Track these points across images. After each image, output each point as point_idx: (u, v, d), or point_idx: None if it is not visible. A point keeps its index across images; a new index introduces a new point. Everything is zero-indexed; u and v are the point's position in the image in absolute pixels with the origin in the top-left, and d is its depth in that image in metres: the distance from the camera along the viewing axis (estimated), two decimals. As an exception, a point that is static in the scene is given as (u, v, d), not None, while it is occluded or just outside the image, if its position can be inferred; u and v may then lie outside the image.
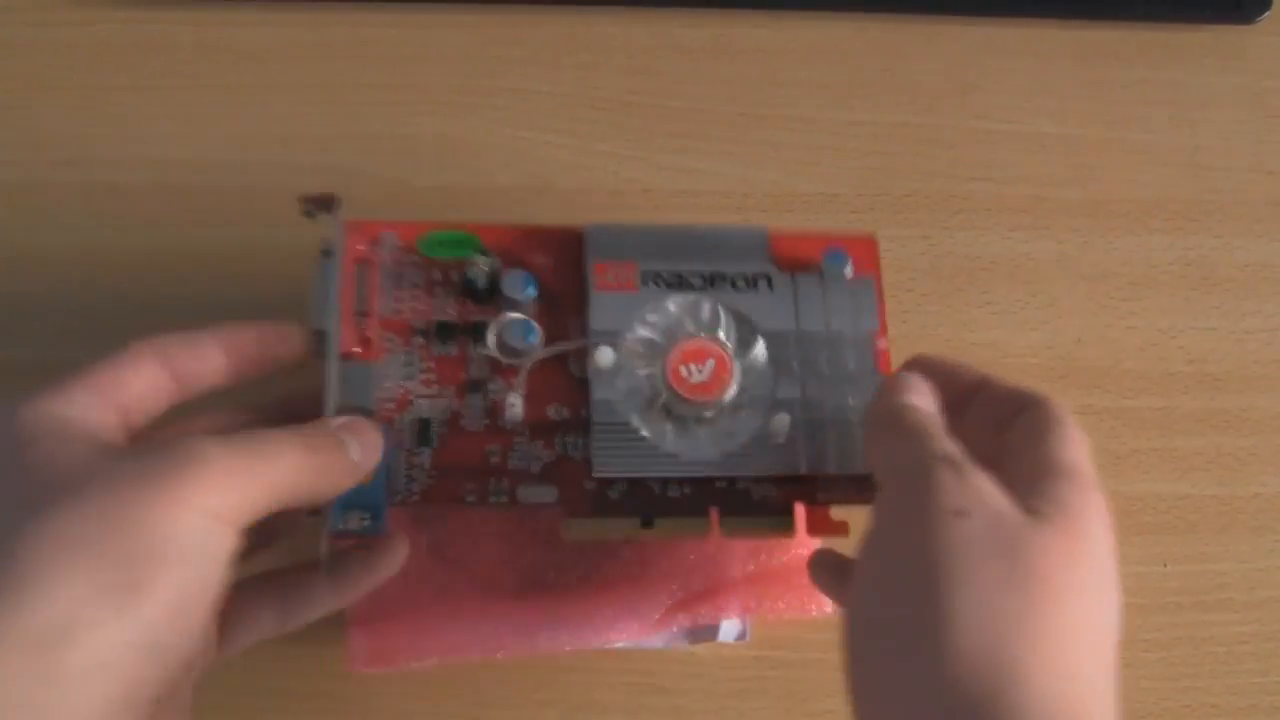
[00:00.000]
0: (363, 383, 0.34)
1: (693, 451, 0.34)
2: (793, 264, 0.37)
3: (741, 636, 0.39)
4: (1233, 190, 0.46)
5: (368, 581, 0.35)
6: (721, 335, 0.35)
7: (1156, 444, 0.42)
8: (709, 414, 0.35)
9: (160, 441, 0.29)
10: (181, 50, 0.46)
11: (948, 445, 0.29)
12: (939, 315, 0.44)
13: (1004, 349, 0.43)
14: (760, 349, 0.36)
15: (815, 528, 0.35)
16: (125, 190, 0.44)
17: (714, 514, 0.34)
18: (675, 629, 0.38)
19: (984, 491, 0.27)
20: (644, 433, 0.34)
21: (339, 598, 0.34)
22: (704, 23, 0.48)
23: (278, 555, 0.34)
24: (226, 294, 0.42)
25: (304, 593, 0.34)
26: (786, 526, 0.35)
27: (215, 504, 0.28)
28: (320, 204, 0.35)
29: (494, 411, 0.35)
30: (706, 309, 0.36)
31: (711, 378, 0.34)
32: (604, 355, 0.34)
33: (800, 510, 0.35)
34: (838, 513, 0.35)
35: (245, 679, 0.37)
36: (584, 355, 0.35)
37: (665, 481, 0.34)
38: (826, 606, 0.39)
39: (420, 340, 0.35)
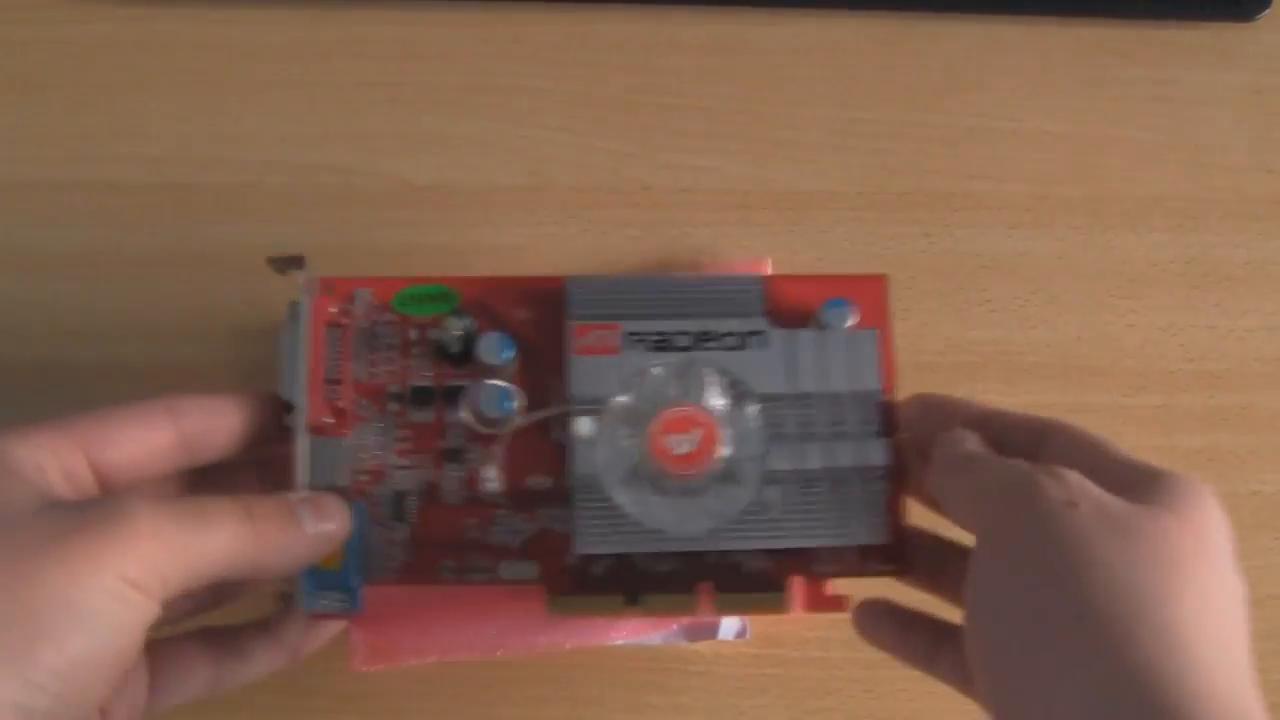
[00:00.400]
0: (333, 458, 0.33)
1: (680, 525, 0.33)
2: (791, 314, 0.35)
3: (742, 634, 0.39)
4: (1233, 188, 0.46)
5: (307, 644, 0.34)
6: (709, 401, 0.33)
7: (1156, 442, 0.42)
8: (696, 485, 0.33)
9: (95, 500, 0.28)
10: (181, 49, 0.46)
11: (1029, 464, 0.29)
12: (939, 313, 0.44)
13: (1004, 346, 0.43)
14: (753, 413, 0.34)
15: (812, 602, 0.34)
16: (125, 189, 0.44)
17: (704, 591, 0.33)
18: (675, 627, 0.38)
19: (1085, 485, 0.28)
20: (628, 507, 0.33)
21: (275, 659, 0.33)
22: (704, 21, 0.48)
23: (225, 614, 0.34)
24: (227, 294, 0.42)
25: (240, 652, 0.33)
26: (781, 602, 0.33)
27: (133, 571, 0.26)
28: (288, 264, 0.34)
29: (472, 482, 0.33)
30: (691, 373, 0.34)
31: (698, 449, 0.32)
32: (583, 425, 0.33)
33: (797, 584, 0.33)
34: (837, 585, 0.34)
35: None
36: (564, 421, 0.34)
37: (654, 555, 0.33)
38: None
39: (395, 406, 0.34)
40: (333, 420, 0.33)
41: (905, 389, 0.40)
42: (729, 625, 0.39)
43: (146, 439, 0.31)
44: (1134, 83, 0.48)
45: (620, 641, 0.38)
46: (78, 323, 0.42)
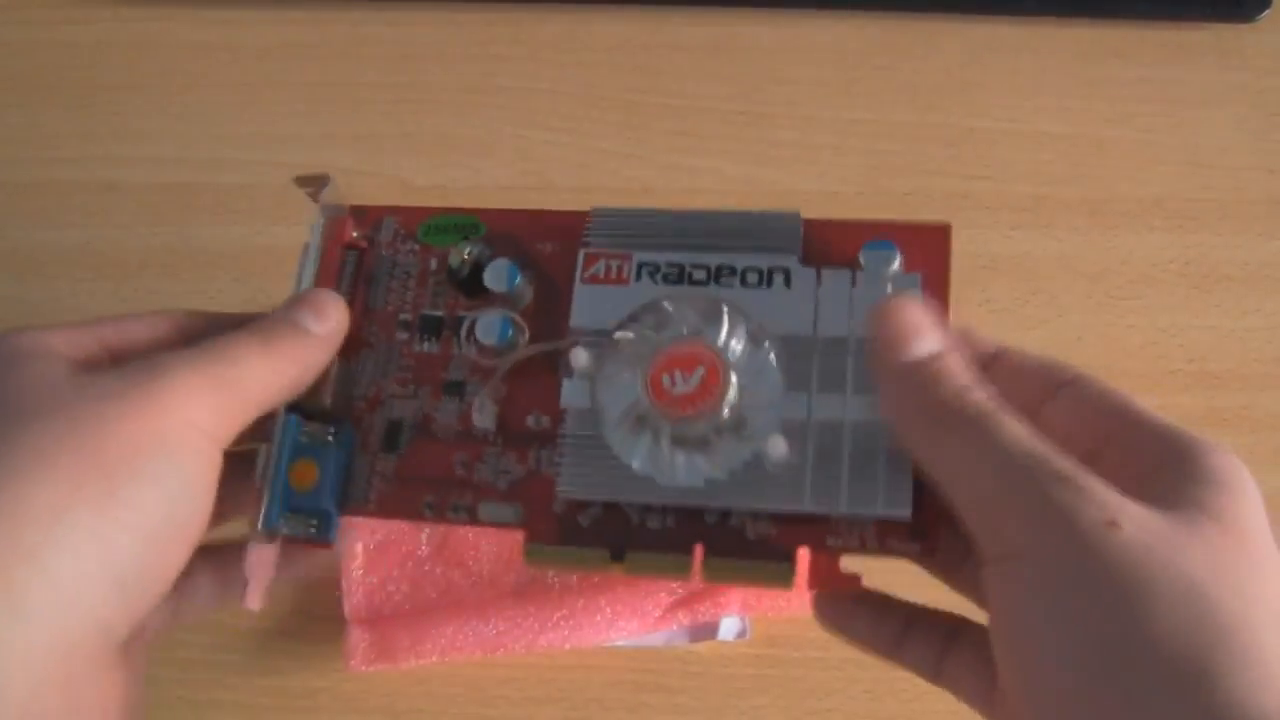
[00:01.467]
0: (336, 380, 0.31)
1: (676, 474, 0.29)
2: (829, 257, 0.31)
3: (742, 634, 0.39)
4: (1233, 188, 0.46)
5: (308, 566, 0.32)
6: (723, 338, 0.29)
7: (1156, 442, 0.42)
8: (698, 432, 0.29)
9: (129, 364, 0.27)
10: (181, 49, 0.46)
11: (1041, 446, 0.25)
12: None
13: (1004, 347, 0.43)
14: (769, 356, 0.29)
15: (819, 579, 0.29)
16: (125, 189, 0.44)
17: (698, 552, 0.29)
18: (675, 627, 0.38)
19: (1123, 502, 0.24)
20: (620, 450, 0.29)
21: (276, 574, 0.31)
22: (704, 21, 0.48)
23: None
24: (227, 293, 0.42)
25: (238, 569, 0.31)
26: (785, 575, 0.28)
27: (196, 415, 0.26)
28: (313, 183, 0.33)
29: (469, 417, 0.31)
30: (706, 307, 0.30)
31: (699, 388, 0.28)
32: (579, 357, 0.29)
33: (804, 556, 0.29)
34: (850, 563, 0.29)
35: (245, 677, 0.37)
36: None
37: (646, 509, 0.29)
38: None
39: (404, 335, 0.32)
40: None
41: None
42: (729, 626, 0.39)
43: (158, 335, 0.30)
44: (1134, 83, 0.48)
45: (621, 643, 0.38)
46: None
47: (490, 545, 0.39)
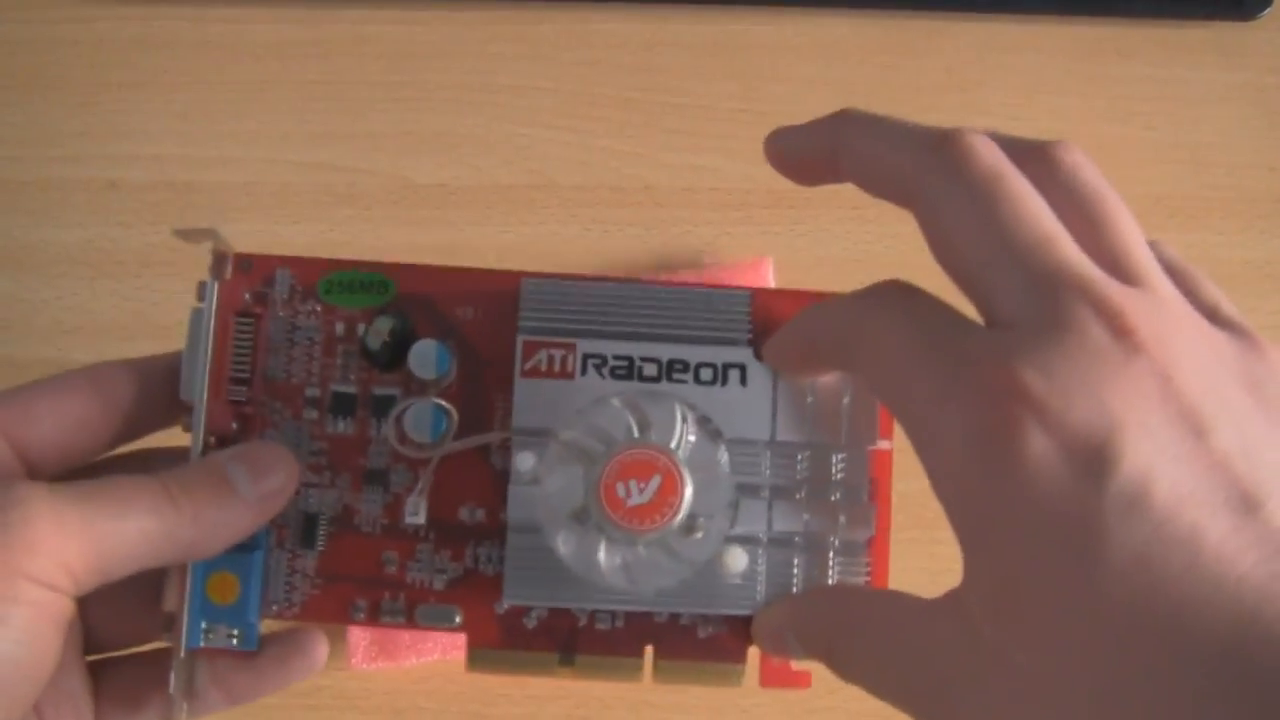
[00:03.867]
0: None
1: (627, 581, 0.27)
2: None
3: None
4: (1234, 187, 0.46)
5: (274, 684, 0.29)
6: (675, 441, 0.27)
7: (1158, 441, 0.42)
8: (648, 541, 0.27)
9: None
10: (181, 47, 0.46)
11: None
12: (940, 312, 0.44)
13: (1005, 346, 0.43)
14: (723, 460, 0.28)
15: (772, 678, 0.29)
16: (125, 188, 0.44)
17: (648, 654, 0.29)
18: None
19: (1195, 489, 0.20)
20: (568, 559, 0.27)
21: (233, 698, 0.29)
22: (705, 19, 0.48)
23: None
24: (227, 292, 0.42)
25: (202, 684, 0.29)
26: (735, 676, 0.29)
27: (37, 569, 0.23)
28: (197, 236, 0.29)
29: (395, 508, 0.29)
30: (657, 408, 0.28)
31: (654, 500, 0.27)
32: (524, 460, 0.27)
33: (753, 656, 0.29)
34: (801, 662, 0.30)
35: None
36: (507, 446, 0.29)
37: (593, 612, 0.29)
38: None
39: (313, 414, 0.29)
40: (237, 426, 0.29)
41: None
42: None
43: (69, 411, 0.27)
44: (1135, 81, 0.48)
45: None
46: (78, 323, 0.42)
47: None
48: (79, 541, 0.24)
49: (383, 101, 0.46)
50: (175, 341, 0.42)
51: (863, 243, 0.44)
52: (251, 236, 0.44)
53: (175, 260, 0.43)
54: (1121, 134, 0.47)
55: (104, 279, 0.43)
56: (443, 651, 0.37)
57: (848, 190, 0.45)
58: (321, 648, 0.29)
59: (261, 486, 0.26)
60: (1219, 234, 0.45)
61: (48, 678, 0.25)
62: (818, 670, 0.39)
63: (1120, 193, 0.48)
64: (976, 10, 0.48)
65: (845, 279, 0.43)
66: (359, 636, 0.37)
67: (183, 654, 0.28)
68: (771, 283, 0.43)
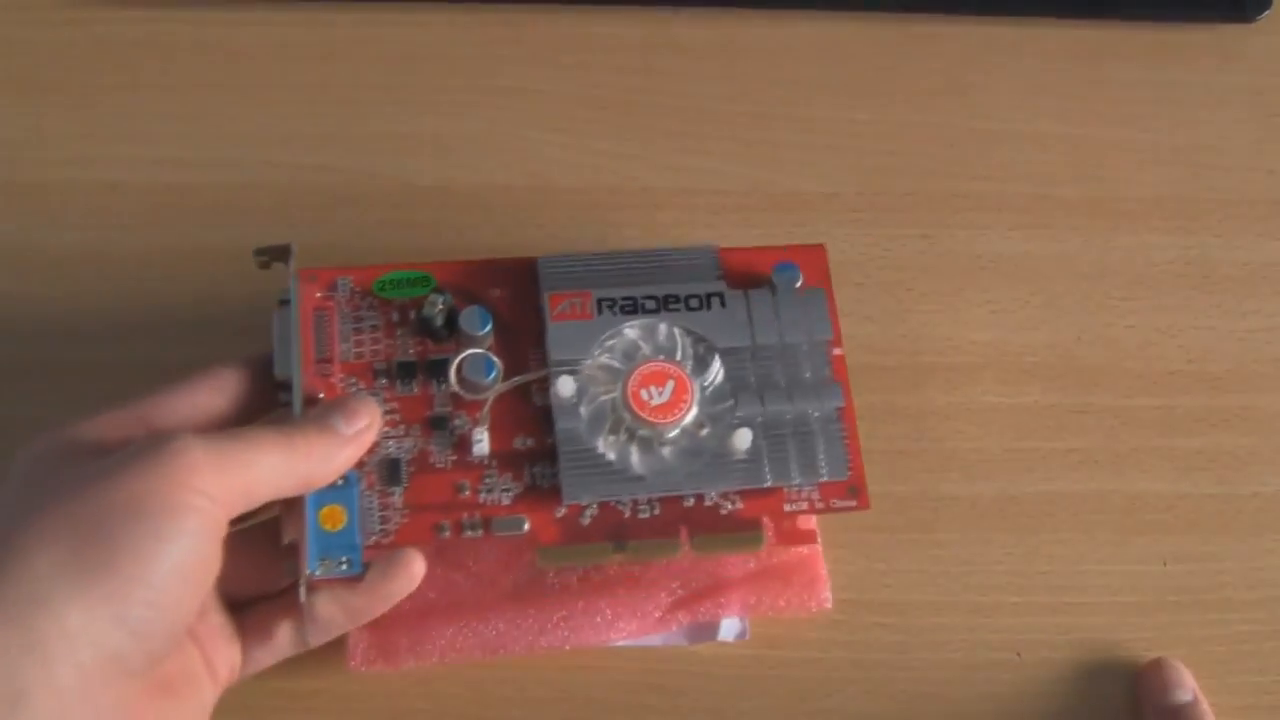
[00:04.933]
0: None
1: (659, 472, 0.35)
2: (744, 280, 0.37)
3: (741, 635, 0.39)
4: (1233, 189, 0.46)
5: (383, 600, 0.34)
6: (678, 356, 0.36)
7: (1156, 443, 0.42)
8: (672, 434, 0.35)
9: (142, 439, 0.30)
10: (181, 49, 0.46)
11: None
12: (939, 314, 0.44)
13: (1004, 348, 0.43)
14: (717, 366, 0.36)
15: (784, 536, 0.36)
16: (125, 190, 0.44)
17: (684, 532, 0.35)
18: (675, 628, 0.38)
19: None
20: (610, 457, 0.35)
21: (353, 617, 0.34)
22: (704, 22, 0.48)
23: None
24: (228, 293, 0.42)
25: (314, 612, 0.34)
26: (756, 539, 0.36)
27: (199, 482, 0.29)
28: (275, 254, 0.36)
29: (461, 446, 0.35)
30: (663, 331, 0.36)
31: (671, 399, 0.35)
32: (565, 385, 0.35)
33: (768, 522, 0.36)
34: (806, 520, 0.37)
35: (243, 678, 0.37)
36: (545, 385, 0.35)
37: (635, 503, 0.35)
38: (827, 603, 0.39)
39: (383, 381, 0.36)
40: (325, 396, 0.35)
41: (893, 388, 0.40)
42: (729, 627, 0.39)
43: (199, 403, 0.33)
44: (1134, 83, 0.48)
45: (622, 643, 0.38)
46: (78, 323, 0.42)
47: (490, 547, 0.39)
48: (225, 472, 0.29)
49: (382, 103, 0.46)
50: (173, 344, 0.42)
51: (860, 244, 0.44)
52: (251, 239, 0.44)
53: (175, 262, 0.43)
54: (1120, 136, 0.47)
55: (104, 280, 0.43)
56: (441, 654, 0.37)
57: (846, 192, 0.46)
58: (418, 563, 0.34)
59: (355, 425, 0.33)
60: (1217, 236, 0.45)
61: (214, 577, 0.30)
62: (818, 670, 0.39)
63: (1119, 195, 0.48)
64: (976, 12, 0.48)
65: (844, 280, 0.44)
66: (358, 639, 0.37)
67: (306, 572, 0.33)
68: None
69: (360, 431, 0.33)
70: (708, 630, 0.39)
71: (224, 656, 0.34)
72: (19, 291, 0.43)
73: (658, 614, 0.38)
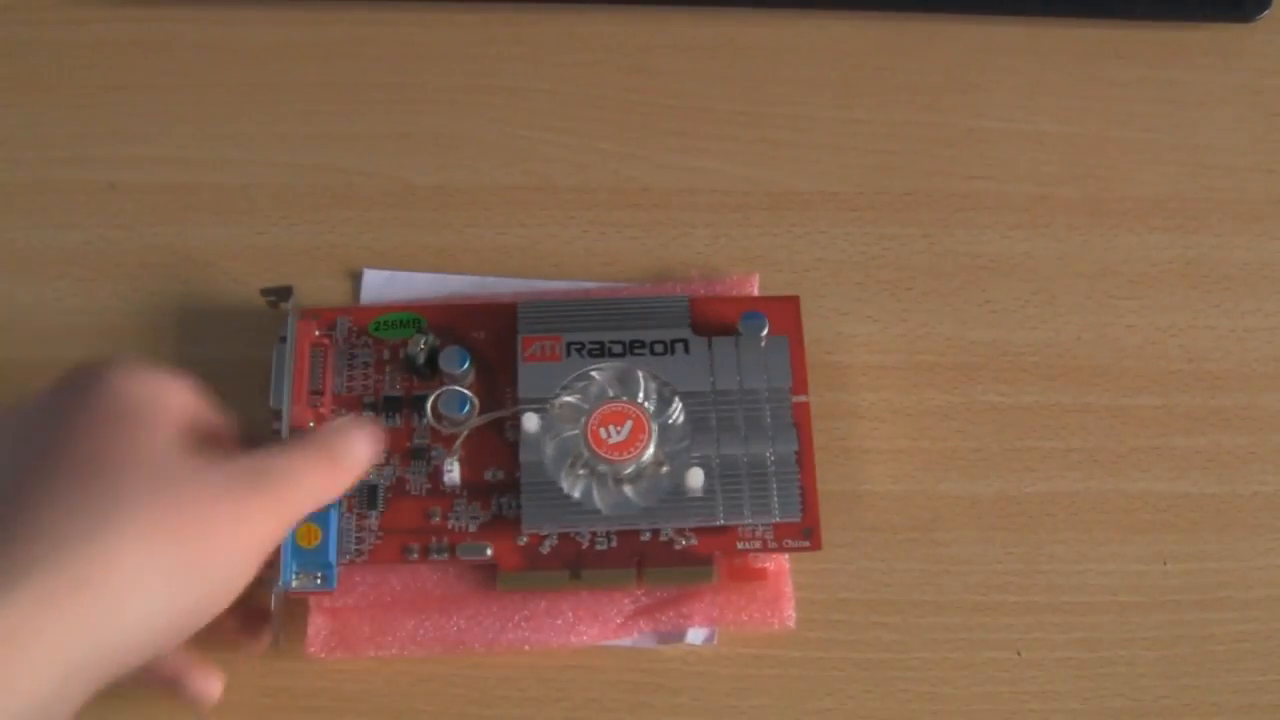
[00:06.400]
0: None
1: (617, 506, 0.37)
2: (715, 328, 0.40)
3: (709, 640, 0.39)
4: (1233, 188, 0.46)
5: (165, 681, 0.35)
6: (641, 398, 0.38)
7: (1156, 442, 0.42)
8: (628, 471, 0.37)
9: (247, 458, 0.32)
10: (181, 49, 0.46)
11: None
12: (939, 314, 0.44)
13: (1003, 347, 0.43)
14: (678, 408, 0.38)
15: (736, 573, 0.38)
16: (125, 190, 0.44)
17: (637, 564, 0.38)
18: (636, 635, 0.39)
19: None
20: (571, 491, 0.37)
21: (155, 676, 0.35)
22: (704, 21, 0.48)
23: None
24: (227, 294, 0.42)
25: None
26: (706, 574, 0.38)
27: (274, 529, 0.31)
28: (279, 295, 0.40)
29: (435, 476, 0.38)
30: (625, 375, 0.39)
31: (629, 437, 0.37)
32: (530, 421, 0.37)
33: (722, 559, 0.38)
34: (757, 559, 0.38)
35: (245, 677, 0.37)
36: (517, 422, 0.38)
37: (593, 535, 0.38)
38: (790, 621, 0.39)
39: (369, 414, 0.39)
40: (314, 425, 0.38)
41: (893, 388, 0.40)
42: (695, 632, 0.39)
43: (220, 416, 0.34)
44: (1134, 83, 0.48)
45: (591, 643, 0.38)
46: (77, 324, 0.42)
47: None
48: (296, 510, 0.32)
49: (381, 103, 0.46)
50: (173, 344, 0.42)
51: (860, 244, 0.44)
52: (251, 238, 0.44)
53: (174, 263, 0.43)
54: (1120, 136, 0.47)
55: (103, 280, 0.43)
56: (401, 647, 0.37)
57: (846, 192, 0.46)
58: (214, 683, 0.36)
59: (359, 450, 0.34)
60: (1217, 236, 0.45)
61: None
62: (817, 670, 0.39)
63: (1119, 195, 0.48)
64: (976, 11, 0.48)
65: (843, 280, 0.44)
66: (318, 626, 0.37)
67: (280, 584, 0.36)
68: (756, 293, 0.43)
69: (370, 454, 0.34)
70: (675, 635, 0.39)
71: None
72: (18, 293, 0.43)
73: (619, 620, 0.38)
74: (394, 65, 0.46)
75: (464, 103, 0.46)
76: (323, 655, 0.37)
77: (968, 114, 0.47)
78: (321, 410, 0.39)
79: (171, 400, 0.31)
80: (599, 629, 0.38)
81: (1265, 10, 0.48)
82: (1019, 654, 0.39)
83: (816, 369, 0.41)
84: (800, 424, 0.39)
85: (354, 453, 0.33)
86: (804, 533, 0.38)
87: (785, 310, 0.40)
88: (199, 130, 0.45)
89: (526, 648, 0.38)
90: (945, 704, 0.39)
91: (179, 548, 0.29)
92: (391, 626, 0.38)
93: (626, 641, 0.39)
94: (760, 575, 0.38)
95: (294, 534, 0.36)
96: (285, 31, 0.47)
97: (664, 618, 0.38)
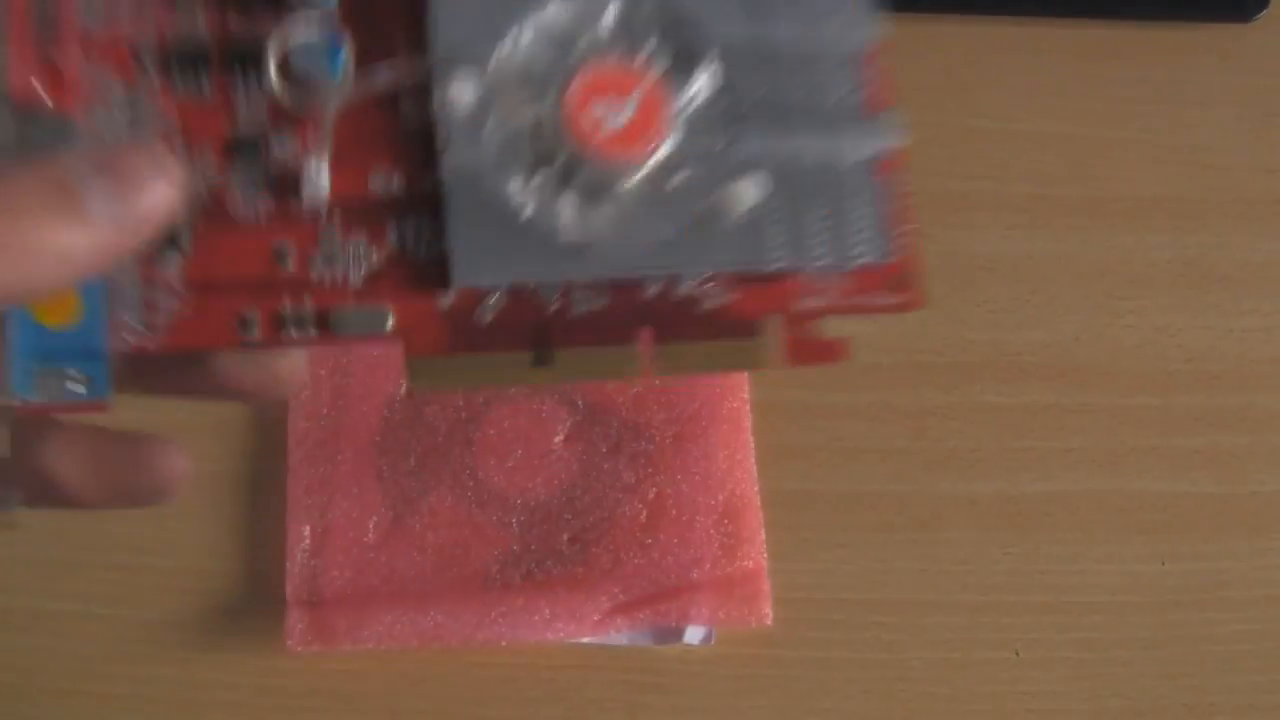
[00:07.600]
0: (55, 151, 0.20)
1: (609, 237, 0.21)
2: None
3: (707, 639, 0.39)
4: (1231, 188, 0.46)
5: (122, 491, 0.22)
6: (645, 52, 0.22)
7: (1154, 442, 0.42)
8: (632, 181, 0.21)
9: None
10: (180, 48, 0.46)
11: None
12: (937, 314, 0.44)
13: (1002, 347, 0.43)
14: (709, 70, 0.22)
15: (800, 351, 0.23)
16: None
17: (645, 338, 0.22)
18: (611, 632, 0.39)
19: None
20: (529, 211, 0.21)
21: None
22: (703, 21, 0.48)
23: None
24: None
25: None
26: (758, 352, 0.23)
27: None
28: None
29: (282, 187, 0.21)
30: (620, 7, 0.22)
31: (636, 121, 0.21)
32: (461, 90, 0.21)
33: (779, 325, 0.23)
34: (827, 325, 0.23)
35: (244, 677, 0.37)
36: (425, 92, 0.21)
37: (568, 288, 0.22)
38: (767, 619, 0.39)
39: (152, 75, 0.21)
40: (53, 95, 0.21)
41: (903, 387, 0.40)
42: (694, 632, 0.39)
43: None
44: (1133, 83, 0.48)
45: (585, 640, 0.38)
46: (76, 322, 0.42)
47: (446, 533, 0.39)
48: None
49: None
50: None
51: (861, 244, 0.44)
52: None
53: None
54: (1119, 136, 0.47)
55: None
56: (378, 640, 0.37)
57: (846, 191, 0.46)
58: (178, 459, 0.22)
59: (127, 202, 0.18)
60: (1216, 235, 0.45)
61: None
62: (817, 670, 0.39)
63: (1118, 195, 0.48)
64: (975, 11, 0.48)
65: (843, 280, 0.44)
66: (296, 620, 0.37)
67: (14, 394, 0.20)
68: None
69: (133, 213, 0.18)
70: (674, 633, 0.39)
71: None
72: (17, 291, 0.43)
73: (596, 617, 0.38)
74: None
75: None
76: (300, 649, 0.37)
77: (966, 113, 0.47)
78: (63, 66, 0.21)
79: None
80: (575, 625, 0.38)
81: (1265, 10, 0.48)
82: (1017, 654, 0.39)
83: (816, 368, 0.41)
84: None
85: (131, 205, 0.18)
86: (895, 281, 0.24)
87: None
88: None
89: (503, 643, 0.38)
90: (944, 704, 0.39)
91: None
92: (368, 620, 0.38)
93: (623, 641, 0.38)
94: (832, 354, 0.23)
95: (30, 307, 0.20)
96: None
97: (640, 615, 0.38)
